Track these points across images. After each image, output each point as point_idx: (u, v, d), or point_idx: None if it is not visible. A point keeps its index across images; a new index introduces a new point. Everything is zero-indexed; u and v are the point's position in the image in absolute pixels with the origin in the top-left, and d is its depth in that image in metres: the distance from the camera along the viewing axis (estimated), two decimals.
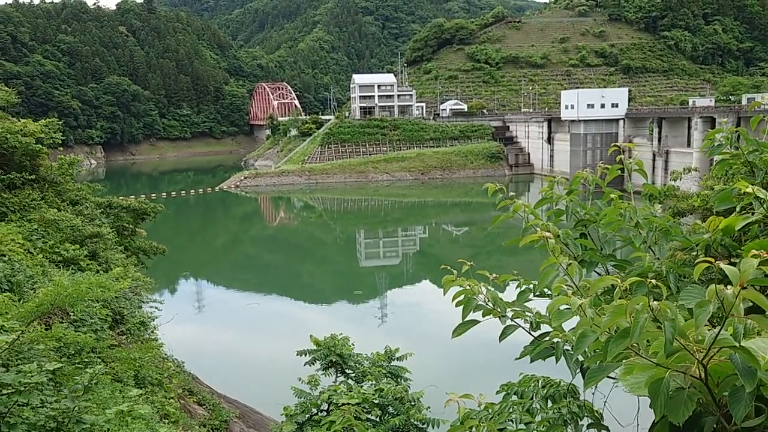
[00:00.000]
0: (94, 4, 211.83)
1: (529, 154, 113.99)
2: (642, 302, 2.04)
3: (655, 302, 2.07)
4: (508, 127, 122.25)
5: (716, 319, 2.11)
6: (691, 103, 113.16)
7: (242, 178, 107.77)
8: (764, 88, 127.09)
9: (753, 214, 3.40)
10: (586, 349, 2.29)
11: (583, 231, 4.03)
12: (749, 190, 3.27)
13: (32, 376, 5.81)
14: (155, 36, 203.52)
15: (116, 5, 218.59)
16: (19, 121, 25.09)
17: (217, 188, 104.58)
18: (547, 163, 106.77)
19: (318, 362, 13.71)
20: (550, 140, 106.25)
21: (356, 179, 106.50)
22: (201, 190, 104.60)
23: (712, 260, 2.16)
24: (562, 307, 2.62)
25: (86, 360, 9.38)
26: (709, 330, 2.13)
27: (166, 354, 19.41)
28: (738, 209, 3.61)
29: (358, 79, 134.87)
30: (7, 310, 7.78)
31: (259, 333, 38.70)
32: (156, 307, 20.57)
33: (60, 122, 28.96)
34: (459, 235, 73.12)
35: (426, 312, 42.80)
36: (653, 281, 2.53)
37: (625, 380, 2.18)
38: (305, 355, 14.01)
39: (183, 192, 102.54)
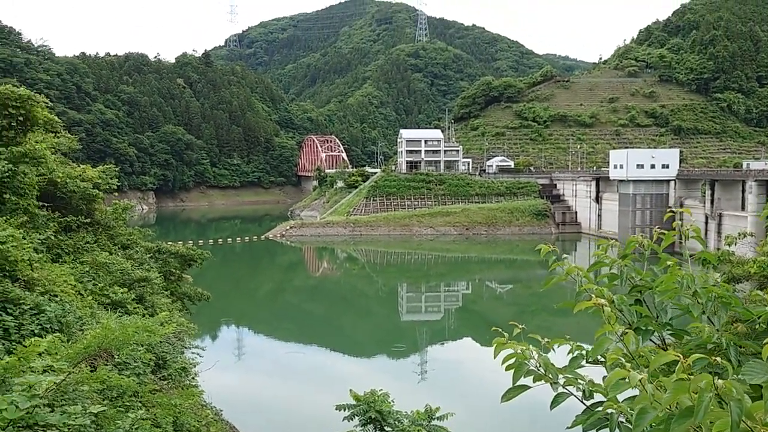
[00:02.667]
0: (155, 57, 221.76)
1: (576, 212, 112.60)
2: (706, 380, 1.94)
3: (720, 380, 1.97)
4: (555, 185, 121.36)
5: None
6: (745, 165, 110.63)
7: (288, 227, 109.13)
8: None
9: None
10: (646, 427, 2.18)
11: (638, 297, 3.91)
12: None
13: (76, 418, 5.86)
14: (211, 88, 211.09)
15: (175, 59, 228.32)
16: (79, 166, 26.08)
17: (263, 237, 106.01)
18: (595, 223, 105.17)
19: (357, 418, 13.49)
20: (598, 199, 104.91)
21: (400, 232, 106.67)
22: (247, 238, 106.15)
23: None
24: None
25: (127, 404, 9.43)
26: None
27: (205, 401, 19.39)
28: None
29: (406, 133, 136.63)
30: (57, 351, 7.92)
31: (298, 384, 38.43)
32: (198, 354, 20.66)
33: (116, 168, 29.94)
34: (503, 293, 72.03)
35: (468, 371, 41.93)
36: (718, 359, 2.41)
37: None
38: (344, 410, 13.80)
39: (230, 239, 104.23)
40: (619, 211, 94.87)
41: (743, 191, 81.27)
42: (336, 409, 13.98)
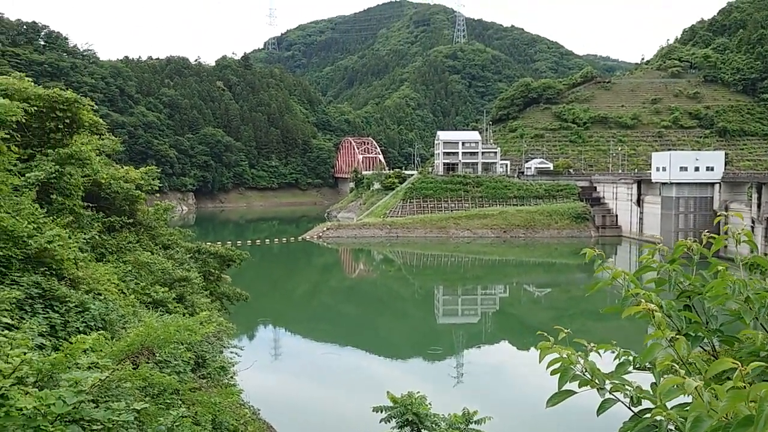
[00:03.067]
0: (196, 60, 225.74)
1: (616, 215, 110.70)
2: (765, 389, 1.87)
3: None
4: (595, 187, 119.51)
5: None
6: None
7: (325, 229, 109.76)
8: None
9: None
10: None
11: (687, 303, 3.80)
12: None
13: (120, 414, 5.96)
14: (250, 90, 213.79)
15: (215, 62, 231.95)
16: (122, 167, 26.64)
17: (300, 238, 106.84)
18: (636, 226, 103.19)
19: (394, 420, 13.46)
20: (639, 202, 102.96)
21: (437, 234, 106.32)
22: (284, 239, 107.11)
23: None
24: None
25: (168, 401, 9.57)
26: None
27: (242, 400, 19.60)
28: None
29: (443, 135, 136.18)
30: (101, 348, 8.09)
31: (335, 385, 38.58)
32: (236, 353, 20.89)
33: (158, 170, 30.49)
34: (541, 297, 71.20)
35: (505, 375, 41.54)
36: None
37: None
38: (381, 412, 13.79)
39: (267, 240, 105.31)
40: (661, 215, 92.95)
41: None
42: (373, 410, 13.98)
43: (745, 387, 2.13)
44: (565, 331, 2.82)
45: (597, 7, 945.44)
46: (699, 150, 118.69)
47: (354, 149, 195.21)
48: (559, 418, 25.39)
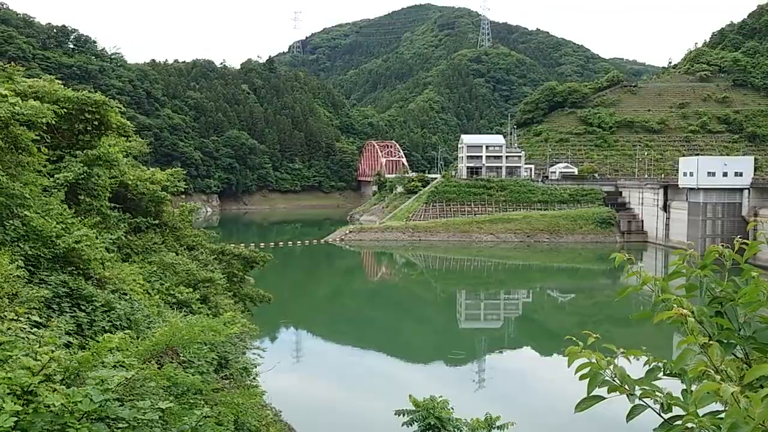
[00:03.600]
0: (221, 63, 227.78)
1: (642, 221, 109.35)
2: None
3: None
4: (621, 192, 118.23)
5: None
6: None
7: (347, 231, 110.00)
8: None
9: None
10: None
11: (718, 309, 3.73)
12: None
13: (145, 413, 6.01)
14: (274, 93, 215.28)
15: (240, 65, 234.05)
16: (148, 169, 26.97)
17: (322, 240, 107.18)
18: (662, 232, 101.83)
19: (416, 423, 13.41)
20: (665, 208, 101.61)
21: (460, 238, 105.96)
22: (307, 241, 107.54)
23: None
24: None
25: (191, 401, 9.63)
26: None
27: (265, 402, 19.68)
28: None
29: (467, 139, 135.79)
30: (127, 347, 8.17)
31: (356, 388, 38.60)
32: (258, 354, 20.98)
33: (183, 172, 30.78)
34: (564, 302, 70.56)
35: (528, 381, 41.21)
36: None
37: None
38: (403, 415, 13.75)
39: (290, 242, 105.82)
40: (688, 221, 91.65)
41: None
42: (395, 414, 13.94)
43: None
44: (594, 335, 2.76)
45: (624, 10, 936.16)
46: (727, 155, 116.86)
47: (377, 152, 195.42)
48: (583, 425, 25.11)
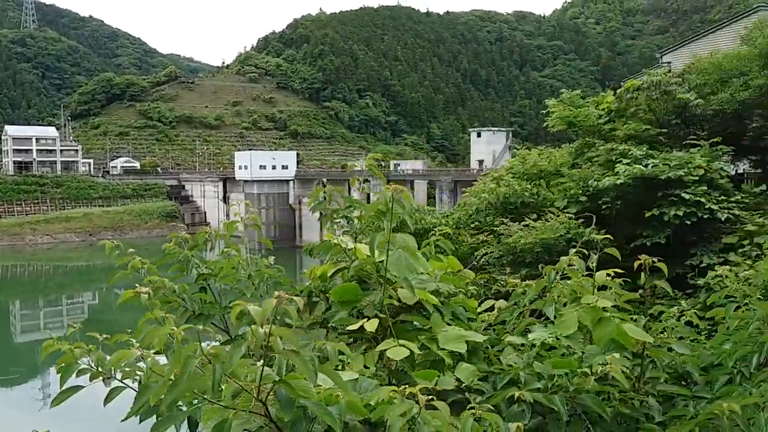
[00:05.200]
0: None
1: (205, 213, 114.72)
2: (195, 349, 2.12)
3: (210, 348, 2.20)
4: (184, 186, 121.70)
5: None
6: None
7: None
8: (407, 156, 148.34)
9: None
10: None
11: (203, 285, 4.30)
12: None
13: None
14: None
15: None
16: None
17: None
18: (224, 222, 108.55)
19: None
20: (225, 199, 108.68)
21: (10, 242, 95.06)
22: None
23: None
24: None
25: None
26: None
27: None
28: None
29: (12, 130, 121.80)
30: None
31: None
32: None
33: None
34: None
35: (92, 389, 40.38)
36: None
37: (207, 427, 2.25)
38: None
39: None
40: (245, 211, 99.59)
41: (349, 189, 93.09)
42: None
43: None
44: (74, 325, 2.94)
45: (180, 6, 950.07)
46: (276, 150, 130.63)
47: None
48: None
